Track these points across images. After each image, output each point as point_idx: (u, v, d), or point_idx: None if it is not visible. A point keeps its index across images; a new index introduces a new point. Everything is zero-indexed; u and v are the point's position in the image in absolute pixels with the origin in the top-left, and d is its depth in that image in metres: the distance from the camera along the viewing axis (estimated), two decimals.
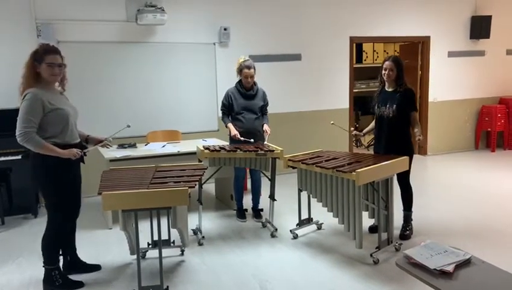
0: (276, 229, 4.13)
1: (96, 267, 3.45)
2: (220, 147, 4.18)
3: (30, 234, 4.26)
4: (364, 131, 4.22)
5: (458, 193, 5.33)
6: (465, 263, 2.19)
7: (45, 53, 2.94)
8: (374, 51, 9.56)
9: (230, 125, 4.42)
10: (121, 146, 4.73)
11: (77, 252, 3.43)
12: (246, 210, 4.67)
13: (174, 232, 3.55)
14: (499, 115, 7.68)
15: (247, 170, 4.75)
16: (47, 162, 2.93)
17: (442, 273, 2.09)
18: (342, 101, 6.85)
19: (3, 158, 4.52)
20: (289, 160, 3.89)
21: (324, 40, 6.60)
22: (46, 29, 5.05)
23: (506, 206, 4.77)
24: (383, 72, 3.87)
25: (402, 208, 4.00)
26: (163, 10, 5.35)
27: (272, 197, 4.22)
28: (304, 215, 4.17)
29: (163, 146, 4.78)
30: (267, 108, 4.60)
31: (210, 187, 5.50)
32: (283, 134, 6.07)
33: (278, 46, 6.34)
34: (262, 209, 4.64)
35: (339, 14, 6.64)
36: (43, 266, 3.11)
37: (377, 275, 3.26)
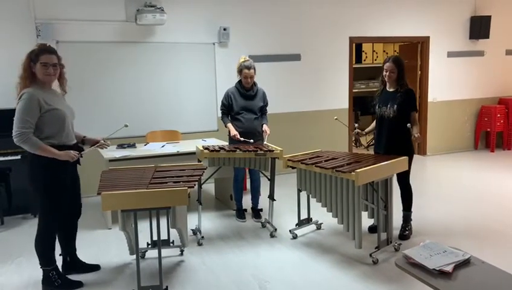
0: (276, 229, 4.13)
1: (95, 267, 3.45)
2: (220, 147, 4.18)
3: (29, 234, 4.23)
4: (367, 130, 4.22)
5: (457, 193, 5.33)
6: (465, 263, 2.19)
7: (40, 53, 2.93)
8: (374, 51, 9.58)
9: (229, 125, 4.42)
10: (121, 146, 4.73)
11: (76, 252, 3.42)
12: (246, 210, 4.67)
13: (174, 232, 3.55)
14: (498, 115, 7.69)
15: (247, 170, 4.75)
16: (43, 162, 2.91)
17: (442, 274, 2.09)
18: (342, 101, 6.85)
19: (2, 158, 4.52)
20: (288, 160, 3.89)
21: (324, 40, 6.61)
22: (45, 29, 5.05)
23: (506, 207, 4.77)
24: (384, 73, 3.87)
25: (401, 208, 4.00)
26: (163, 10, 5.35)
27: (271, 197, 4.22)
28: (304, 215, 4.17)
29: (163, 146, 4.78)
30: (267, 108, 4.61)
31: (209, 187, 5.50)
32: (282, 134, 6.07)
33: (277, 46, 6.34)
34: (261, 209, 4.64)
35: (339, 15, 6.65)
36: (41, 268, 3.10)
37: (376, 275, 3.26)
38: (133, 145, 4.78)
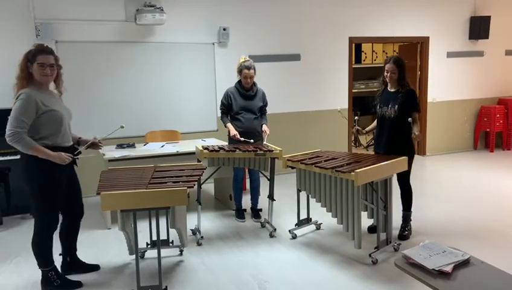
0: (275, 229, 4.13)
1: (95, 267, 3.45)
2: (219, 147, 4.18)
3: (28, 233, 4.17)
4: (367, 129, 4.22)
5: (457, 193, 5.33)
6: (464, 263, 2.19)
7: (37, 53, 2.91)
8: (373, 51, 9.59)
9: (229, 125, 4.42)
10: (120, 146, 4.73)
11: (77, 252, 3.42)
12: (245, 210, 4.67)
13: (173, 232, 3.55)
14: (498, 116, 7.69)
15: (246, 170, 4.75)
16: (38, 162, 2.88)
17: (441, 274, 2.09)
18: (341, 101, 6.85)
19: (1, 158, 4.51)
20: (288, 160, 3.88)
21: (323, 40, 6.61)
22: (45, 29, 5.04)
23: (505, 207, 4.77)
24: (385, 74, 3.87)
25: (401, 208, 4.00)
26: (162, 10, 5.35)
27: (270, 197, 4.22)
28: (303, 216, 4.17)
29: (162, 146, 4.78)
30: (266, 108, 4.61)
31: (209, 187, 5.50)
32: (282, 134, 6.07)
33: (277, 46, 6.34)
34: (261, 209, 4.64)
35: (339, 14, 6.65)
36: (39, 268, 3.09)
37: (376, 275, 3.26)
38: (132, 145, 4.78)
